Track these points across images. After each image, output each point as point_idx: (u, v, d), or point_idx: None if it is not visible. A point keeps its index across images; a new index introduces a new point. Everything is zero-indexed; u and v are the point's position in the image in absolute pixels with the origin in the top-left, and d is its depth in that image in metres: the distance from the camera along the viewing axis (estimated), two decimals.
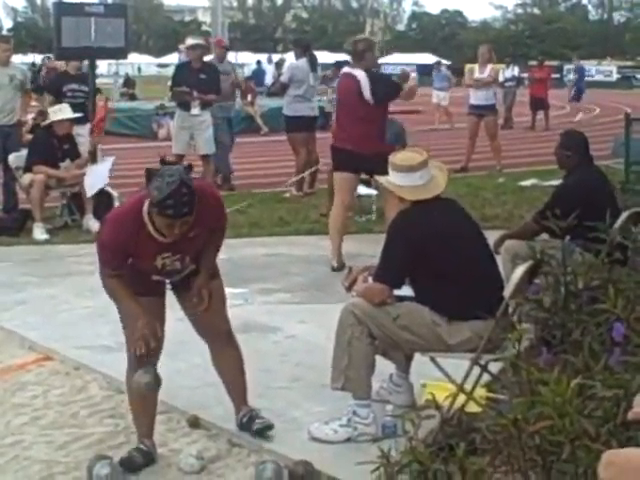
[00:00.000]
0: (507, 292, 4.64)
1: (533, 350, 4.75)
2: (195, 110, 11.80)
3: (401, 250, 4.73)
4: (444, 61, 33.33)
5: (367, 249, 8.75)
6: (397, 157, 4.96)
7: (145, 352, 4.43)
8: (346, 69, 8.80)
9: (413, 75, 8.26)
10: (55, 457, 4.75)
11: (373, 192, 10.58)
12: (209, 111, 12.12)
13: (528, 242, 6.01)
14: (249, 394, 5.01)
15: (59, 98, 11.39)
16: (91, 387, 5.69)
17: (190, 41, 12.45)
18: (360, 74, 8.33)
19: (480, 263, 4.84)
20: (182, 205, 4.05)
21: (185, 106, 11.86)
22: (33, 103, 12.18)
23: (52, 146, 10.40)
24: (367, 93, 8.25)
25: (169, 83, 12.99)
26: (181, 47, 13.35)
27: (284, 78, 12.79)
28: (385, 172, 5.01)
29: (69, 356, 6.17)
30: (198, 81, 11.79)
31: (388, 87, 8.49)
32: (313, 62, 12.72)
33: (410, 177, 4.83)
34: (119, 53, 12.02)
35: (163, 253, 4.38)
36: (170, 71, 33.92)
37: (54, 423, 5.15)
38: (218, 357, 5.00)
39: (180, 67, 12.97)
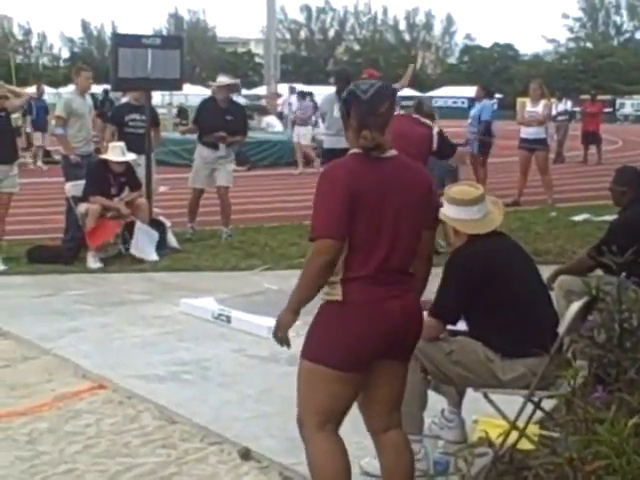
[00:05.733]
0: (562, 328, 4.61)
1: (587, 388, 4.70)
2: (222, 151, 11.77)
3: (457, 286, 4.72)
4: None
5: None
6: (453, 190, 4.96)
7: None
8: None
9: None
10: None
11: None
12: (233, 147, 12.18)
13: (583, 278, 5.96)
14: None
15: (121, 128, 11.66)
16: (143, 417, 5.71)
17: (223, 80, 12.25)
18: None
19: (535, 299, 4.81)
20: None
21: (211, 144, 11.78)
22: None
23: (107, 180, 10.53)
24: None
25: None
26: (211, 84, 13.11)
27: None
28: None
29: (122, 385, 6.21)
30: (224, 123, 11.71)
31: None
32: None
33: (467, 211, 4.83)
34: (175, 84, 12.11)
35: None
36: None
37: (107, 452, 5.17)
38: None
39: (205, 104, 12.56)
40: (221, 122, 11.67)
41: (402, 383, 4.22)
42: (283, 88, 36.95)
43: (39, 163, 22.73)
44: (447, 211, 4.92)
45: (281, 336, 4.00)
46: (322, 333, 3.96)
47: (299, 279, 3.87)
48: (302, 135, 22.49)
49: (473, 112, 16.52)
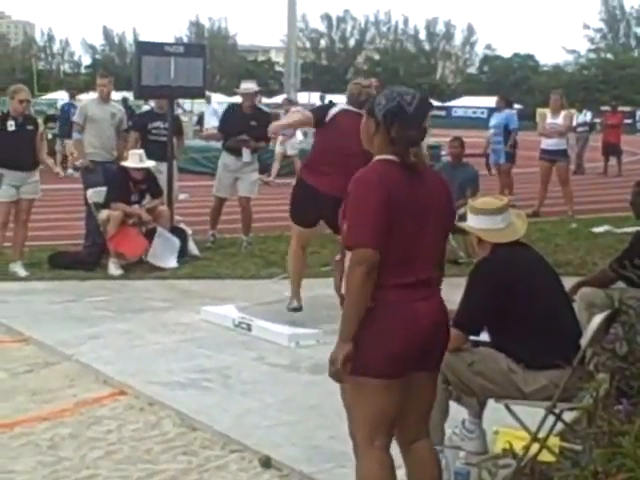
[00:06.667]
0: (584, 341, 4.60)
1: (608, 400, 4.69)
2: (247, 157, 11.67)
3: (480, 297, 4.72)
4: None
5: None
6: (477, 202, 5.00)
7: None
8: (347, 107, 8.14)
9: None
10: None
11: None
12: (256, 155, 12.03)
13: (605, 290, 5.95)
14: (323, 435, 5.00)
15: (145, 135, 11.63)
16: (165, 423, 5.72)
17: (248, 85, 12.12)
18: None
19: (558, 310, 4.82)
20: None
21: (235, 151, 11.71)
22: None
23: (127, 187, 10.57)
24: None
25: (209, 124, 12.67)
26: (236, 90, 13.08)
27: None
28: None
29: (143, 391, 6.23)
30: (248, 128, 11.57)
31: None
32: None
33: (490, 220, 4.85)
34: (197, 92, 12.16)
35: None
36: None
37: (128, 458, 5.19)
38: None
39: (230, 110, 12.57)
40: (245, 127, 11.58)
41: (432, 394, 4.17)
42: (303, 97, 37.04)
43: (70, 170, 22.20)
44: (470, 221, 4.94)
45: (335, 370, 3.74)
46: (355, 344, 3.79)
47: (345, 298, 3.78)
48: (289, 145, 22.10)
49: (496, 121, 16.44)
